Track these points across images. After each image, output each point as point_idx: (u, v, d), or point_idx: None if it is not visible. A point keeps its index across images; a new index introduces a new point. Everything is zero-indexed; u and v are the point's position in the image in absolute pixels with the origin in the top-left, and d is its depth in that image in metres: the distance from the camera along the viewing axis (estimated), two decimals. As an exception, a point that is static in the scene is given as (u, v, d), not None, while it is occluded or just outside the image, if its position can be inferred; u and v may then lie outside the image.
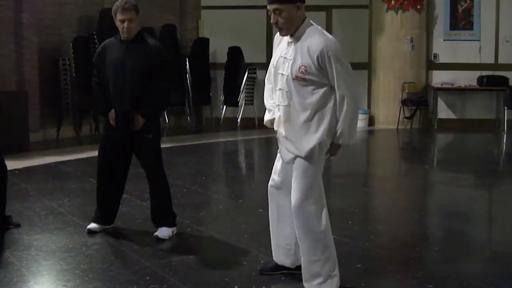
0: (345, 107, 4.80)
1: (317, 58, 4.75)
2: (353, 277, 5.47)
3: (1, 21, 12.34)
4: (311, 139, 4.87)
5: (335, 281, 4.99)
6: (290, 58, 4.88)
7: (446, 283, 5.39)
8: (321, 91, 4.81)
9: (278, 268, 5.39)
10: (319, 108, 4.84)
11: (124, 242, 6.48)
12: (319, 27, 4.95)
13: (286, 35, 4.95)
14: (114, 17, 6.43)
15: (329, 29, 16.40)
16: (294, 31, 4.89)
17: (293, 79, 4.86)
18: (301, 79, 4.82)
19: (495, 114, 15.98)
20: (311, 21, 4.97)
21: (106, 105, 6.60)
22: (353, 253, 6.17)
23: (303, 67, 4.80)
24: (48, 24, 13.20)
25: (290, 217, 5.08)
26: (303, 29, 4.89)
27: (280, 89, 4.96)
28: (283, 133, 4.99)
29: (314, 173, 4.92)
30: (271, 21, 4.96)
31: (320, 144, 4.87)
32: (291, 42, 4.92)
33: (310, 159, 4.89)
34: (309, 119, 4.87)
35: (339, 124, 4.85)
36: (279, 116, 5.00)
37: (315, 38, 4.82)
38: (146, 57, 6.41)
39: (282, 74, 4.93)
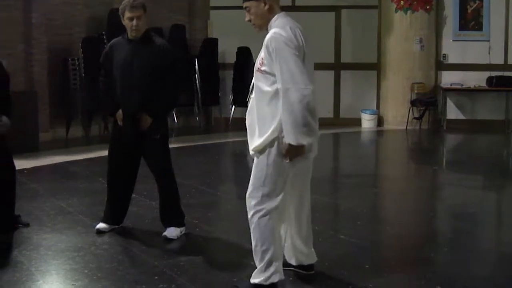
0: (287, 102, 4.68)
1: (267, 49, 4.78)
2: (362, 277, 5.48)
3: (10, 21, 12.37)
4: (261, 135, 4.88)
5: (269, 274, 4.95)
6: (261, 51, 4.96)
7: (454, 284, 5.38)
8: (276, 85, 4.78)
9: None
10: (274, 103, 4.81)
11: (133, 241, 6.49)
12: (285, 20, 4.92)
13: (260, 31, 5.00)
14: (122, 16, 6.43)
15: (338, 29, 16.44)
16: (266, 25, 4.95)
17: (255, 71, 4.95)
18: (260, 71, 4.88)
19: (505, 115, 15.95)
20: (283, 15, 4.98)
21: (114, 106, 6.60)
22: (361, 253, 6.18)
23: (261, 59, 4.87)
24: (57, 24, 13.23)
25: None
26: (272, 23, 4.93)
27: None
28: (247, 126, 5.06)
29: (264, 169, 4.91)
30: (245, 18, 5.05)
31: (272, 141, 4.84)
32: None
33: (259, 154, 4.92)
34: (265, 114, 4.87)
35: (283, 120, 4.75)
36: None
37: (270, 31, 4.86)
38: (154, 57, 6.41)
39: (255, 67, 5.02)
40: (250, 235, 5.01)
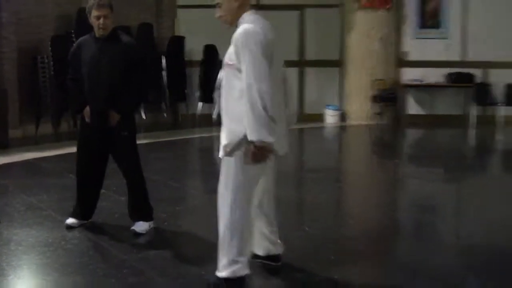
0: (249, 97, 4.64)
1: (236, 44, 4.77)
2: (327, 268, 5.50)
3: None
4: (230, 135, 4.89)
5: (236, 267, 4.94)
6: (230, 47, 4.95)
7: (415, 274, 5.41)
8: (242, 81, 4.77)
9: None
10: (239, 100, 4.79)
11: (102, 236, 6.46)
12: (255, 17, 4.93)
13: (230, 27, 4.99)
14: (88, 14, 6.40)
15: (302, 28, 16.47)
16: (235, 21, 4.95)
17: (224, 66, 4.94)
18: (228, 65, 4.88)
19: (463, 110, 16.09)
20: (253, 12, 4.98)
21: (82, 103, 6.55)
22: (326, 245, 6.19)
23: (229, 54, 4.87)
24: (27, 23, 13.11)
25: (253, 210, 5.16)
26: (241, 19, 4.92)
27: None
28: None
29: (231, 167, 4.92)
30: (216, 15, 5.03)
31: (239, 142, 4.81)
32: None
33: (224, 153, 4.93)
34: (233, 111, 4.87)
35: (246, 115, 4.70)
36: None
37: (241, 26, 4.86)
38: (121, 54, 6.39)
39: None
40: (218, 229, 5.00)
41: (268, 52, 4.76)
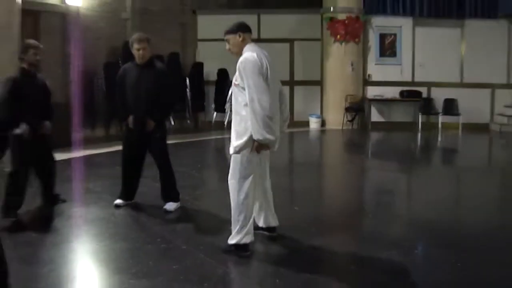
0: (252, 108, 4.70)
1: (239, 69, 4.81)
2: (310, 238, 5.50)
3: (53, 52, 12.25)
4: (239, 138, 4.88)
5: (242, 236, 4.96)
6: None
7: (377, 242, 5.41)
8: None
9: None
10: (245, 108, 4.82)
11: (142, 213, 6.46)
12: (253, 48, 4.94)
13: (236, 56, 5.00)
14: (131, 46, 6.42)
15: (291, 56, 16.43)
16: (240, 52, 4.97)
17: (233, 86, 4.94)
18: (235, 85, 4.89)
19: (413, 118, 16.04)
20: (253, 44, 5.01)
21: (126, 113, 6.57)
22: (309, 221, 6.18)
23: (236, 77, 4.88)
24: (87, 53, 13.07)
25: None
26: (244, 50, 4.96)
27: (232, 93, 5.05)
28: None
29: (238, 162, 4.94)
30: (226, 48, 5.08)
31: (247, 142, 4.83)
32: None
33: (234, 151, 4.94)
34: (241, 119, 4.87)
35: (251, 122, 4.76)
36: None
37: (243, 54, 4.90)
38: (155, 77, 6.41)
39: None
40: (227, 208, 5.00)
41: (262, 71, 4.78)
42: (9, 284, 3.52)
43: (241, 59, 4.84)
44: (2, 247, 3.50)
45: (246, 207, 4.98)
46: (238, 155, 4.93)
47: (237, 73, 4.87)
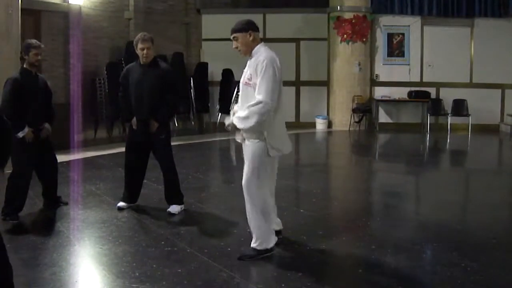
0: (254, 107, 4.71)
1: (256, 66, 4.78)
2: (317, 240, 5.49)
3: (54, 52, 12.27)
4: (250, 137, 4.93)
5: (264, 241, 4.97)
6: (246, 70, 4.97)
7: (385, 245, 5.40)
8: None
9: None
10: None
11: (145, 216, 6.46)
12: (268, 49, 4.95)
13: (245, 56, 5.00)
14: (135, 46, 6.43)
15: (297, 56, 16.44)
16: (250, 52, 4.95)
17: (243, 85, 4.94)
18: (248, 84, 4.87)
19: (421, 119, 16.02)
20: (263, 44, 5.00)
21: (130, 114, 6.58)
22: (316, 223, 6.18)
23: (249, 75, 4.87)
24: (88, 53, 13.10)
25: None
26: (256, 50, 4.93)
27: (238, 92, 5.03)
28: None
29: (255, 165, 4.90)
30: (233, 46, 5.03)
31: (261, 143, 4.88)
32: (249, 59, 4.98)
33: (249, 141, 4.96)
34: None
35: (247, 112, 4.77)
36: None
37: (261, 54, 4.87)
38: (159, 77, 6.41)
39: (240, 82, 5.01)
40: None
41: (280, 76, 4.78)
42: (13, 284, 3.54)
43: (261, 58, 4.80)
44: (4, 248, 3.51)
45: (266, 210, 4.98)
46: (255, 158, 4.89)
47: (250, 71, 4.85)
